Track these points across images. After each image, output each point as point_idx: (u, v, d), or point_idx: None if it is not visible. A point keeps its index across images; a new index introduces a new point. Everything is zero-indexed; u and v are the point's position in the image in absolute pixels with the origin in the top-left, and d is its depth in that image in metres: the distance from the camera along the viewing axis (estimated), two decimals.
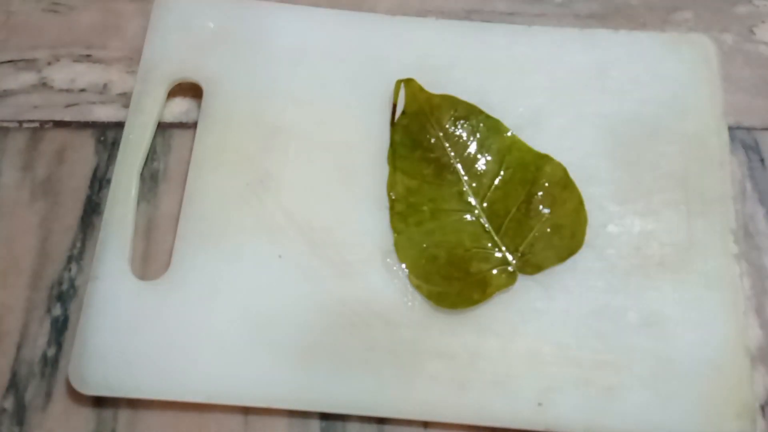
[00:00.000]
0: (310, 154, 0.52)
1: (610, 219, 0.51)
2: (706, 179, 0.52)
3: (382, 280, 0.49)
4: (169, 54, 0.55)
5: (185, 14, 0.56)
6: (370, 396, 0.46)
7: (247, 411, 0.47)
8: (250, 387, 0.46)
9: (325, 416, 0.47)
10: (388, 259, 0.49)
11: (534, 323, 0.48)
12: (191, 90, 0.55)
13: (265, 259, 0.49)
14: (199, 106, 0.54)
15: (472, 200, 0.51)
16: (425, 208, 0.51)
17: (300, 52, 0.55)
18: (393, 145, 0.52)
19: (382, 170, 0.52)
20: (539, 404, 0.46)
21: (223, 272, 0.49)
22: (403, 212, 0.50)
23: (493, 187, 0.51)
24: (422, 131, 0.53)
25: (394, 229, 0.50)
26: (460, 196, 0.51)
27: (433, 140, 0.52)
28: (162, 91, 0.54)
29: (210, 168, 0.51)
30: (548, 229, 0.50)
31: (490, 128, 0.53)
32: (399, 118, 0.53)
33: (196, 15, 0.56)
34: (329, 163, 0.52)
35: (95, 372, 0.46)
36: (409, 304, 0.48)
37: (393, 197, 0.51)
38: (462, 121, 0.53)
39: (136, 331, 0.47)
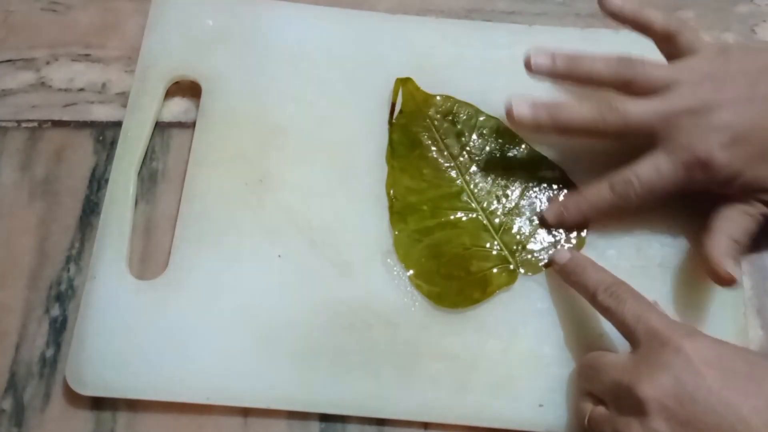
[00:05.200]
0: (309, 153, 0.52)
1: (612, 220, 0.50)
2: None
3: (382, 280, 0.49)
4: (168, 52, 0.55)
5: (184, 12, 0.56)
6: (370, 397, 0.46)
7: (246, 412, 0.46)
8: (249, 387, 0.46)
9: (324, 417, 0.46)
10: (389, 260, 0.49)
11: (535, 324, 0.48)
12: (190, 89, 0.55)
13: (264, 258, 0.49)
14: (197, 105, 0.54)
15: (471, 199, 0.51)
16: (425, 207, 0.50)
17: (299, 51, 0.55)
18: (391, 144, 0.52)
19: (382, 169, 0.52)
20: (540, 405, 0.46)
21: (222, 272, 0.48)
22: (403, 211, 0.50)
23: (493, 186, 0.51)
24: (420, 130, 0.53)
25: (394, 228, 0.50)
26: (459, 194, 0.51)
27: (431, 140, 0.52)
28: (160, 89, 0.53)
29: (209, 167, 0.51)
30: (549, 229, 0.50)
31: (489, 128, 0.53)
32: (397, 117, 0.53)
33: (195, 13, 0.56)
34: (329, 163, 0.52)
35: (93, 372, 0.46)
36: (410, 304, 0.48)
37: (392, 196, 0.51)
38: (460, 121, 0.53)
39: (135, 331, 0.47)
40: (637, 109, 0.46)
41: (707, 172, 0.45)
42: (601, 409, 0.42)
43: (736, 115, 0.44)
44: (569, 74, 0.48)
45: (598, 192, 0.48)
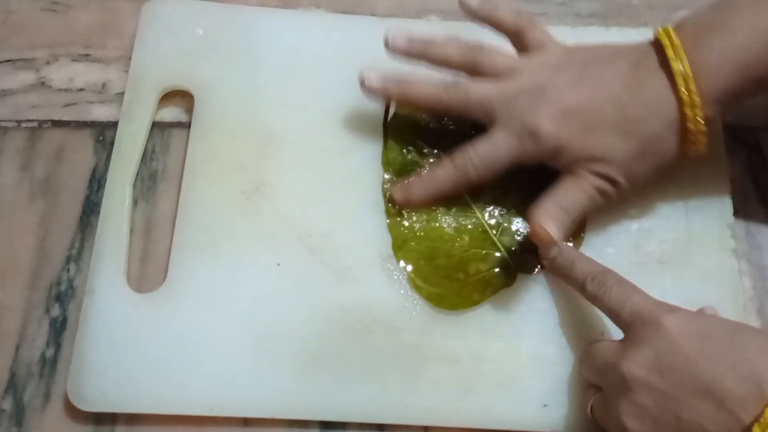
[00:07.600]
0: (304, 160, 0.52)
1: (609, 217, 0.51)
2: (703, 174, 0.51)
3: (382, 284, 0.48)
4: (158, 62, 0.54)
5: (173, 21, 0.55)
6: (373, 403, 0.46)
7: (246, 422, 0.46)
8: (252, 398, 0.46)
9: (324, 424, 0.46)
10: (388, 264, 0.49)
11: (537, 324, 0.48)
12: (183, 98, 0.54)
13: (263, 267, 0.49)
14: (191, 113, 0.53)
15: (469, 200, 0.51)
16: (422, 209, 0.50)
17: (291, 57, 0.55)
18: (386, 147, 0.52)
19: (378, 173, 0.51)
20: (545, 405, 0.46)
21: (221, 282, 0.48)
22: (400, 215, 0.50)
23: (490, 186, 0.51)
24: (414, 133, 0.52)
25: (392, 231, 0.50)
26: (456, 196, 0.51)
27: (425, 141, 0.52)
28: (152, 100, 0.53)
29: (204, 177, 0.51)
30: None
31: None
32: (391, 121, 0.53)
33: (184, 22, 0.56)
34: (324, 168, 0.52)
35: (94, 388, 0.46)
36: (411, 308, 0.48)
37: (389, 200, 0.51)
38: (455, 122, 0.53)
39: (135, 345, 0.47)
40: (479, 89, 0.49)
41: (537, 142, 0.47)
42: (599, 395, 0.43)
43: (565, 94, 0.47)
44: (423, 56, 0.50)
45: (441, 168, 0.50)
